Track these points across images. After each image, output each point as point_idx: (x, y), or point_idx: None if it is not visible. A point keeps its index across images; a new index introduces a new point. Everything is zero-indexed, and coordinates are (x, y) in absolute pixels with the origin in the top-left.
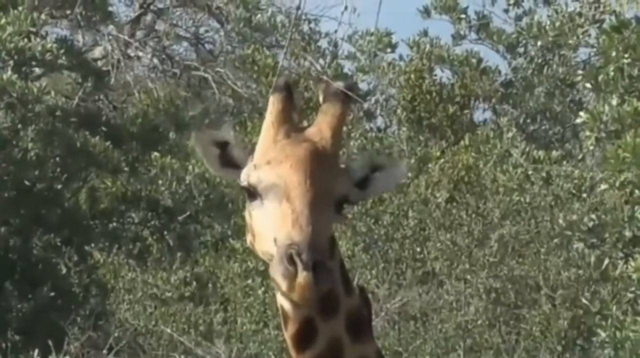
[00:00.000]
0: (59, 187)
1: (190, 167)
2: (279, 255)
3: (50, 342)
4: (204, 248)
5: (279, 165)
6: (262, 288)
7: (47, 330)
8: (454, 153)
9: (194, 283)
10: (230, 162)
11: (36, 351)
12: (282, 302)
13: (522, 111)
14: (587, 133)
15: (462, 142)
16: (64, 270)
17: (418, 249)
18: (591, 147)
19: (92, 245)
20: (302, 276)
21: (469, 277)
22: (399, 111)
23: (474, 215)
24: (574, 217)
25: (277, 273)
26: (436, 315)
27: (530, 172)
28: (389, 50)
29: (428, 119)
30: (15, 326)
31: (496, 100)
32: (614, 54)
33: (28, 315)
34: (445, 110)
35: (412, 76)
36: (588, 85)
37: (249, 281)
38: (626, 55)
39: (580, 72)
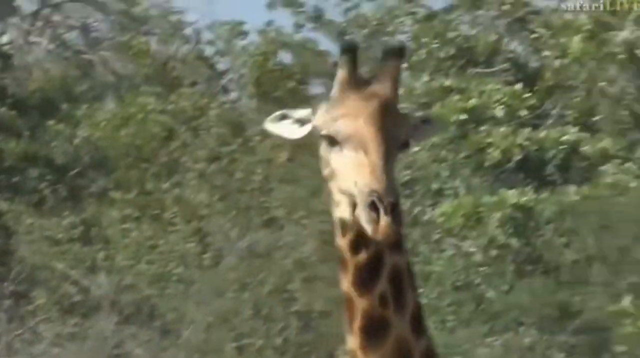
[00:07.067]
0: None
1: (78, 132)
2: (362, 202)
3: None
4: (90, 198)
5: (354, 119)
6: (136, 232)
7: None
8: None
9: (81, 226)
10: (300, 122)
11: None
12: (341, 214)
13: None
14: (403, 104)
15: None
16: None
17: (264, 199)
18: None
19: None
20: (384, 220)
21: (305, 221)
22: (249, 87)
23: (310, 171)
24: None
25: (362, 218)
26: (278, 253)
27: None
28: (241, 37)
29: (273, 92)
30: None
31: (329, 77)
32: (424, 39)
33: None
34: (286, 86)
35: (260, 58)
36: (404, 65)
37: (126, 225)
38: (435, 41)
39: None
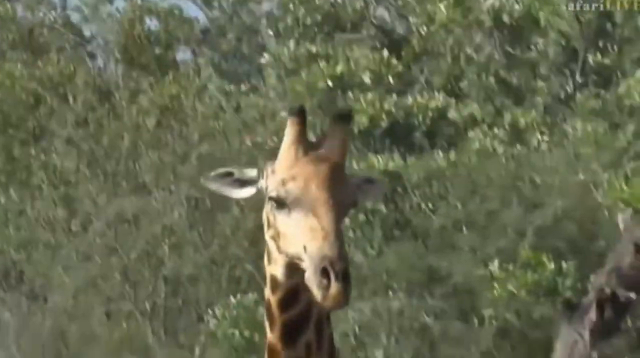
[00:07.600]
0: None
1: None
2: (313, 268)
3: None
4: None
5: (305, 183)
6: (3, 197)
7: None
8: (160, 86)
9: None
10: (243, 183)
11: None
12: (274, 271)
13: (217, 52)
14: (270, 71)
15: (167, 78)
16: None
17: (132, 165)
18: (273, 82)
19: None
20: (335, 287)
21: (173, 187)
22: (115, 53)
23: (177, 137)
24: (259, 139)
25: (313, 284)
26: (146, 219)
27: (223, 103)
28: (108, 3)
29: (139, 59)
30: None
31: (196, 44)
32: (291, 6)
33: None
34: (153, 52)
35: (126, 25)
36: (270, 32)
37: None
38: (302, 7)
39: (263, 21)
